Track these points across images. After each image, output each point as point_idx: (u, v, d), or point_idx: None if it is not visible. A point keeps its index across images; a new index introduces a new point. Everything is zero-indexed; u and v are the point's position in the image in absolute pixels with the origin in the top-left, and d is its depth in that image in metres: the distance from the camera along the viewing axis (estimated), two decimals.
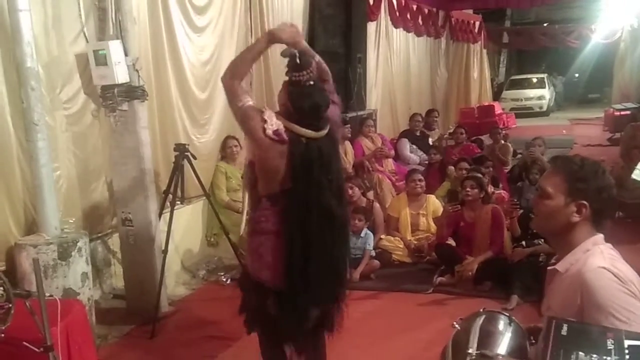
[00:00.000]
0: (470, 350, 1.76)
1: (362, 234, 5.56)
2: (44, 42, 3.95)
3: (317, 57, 3.08)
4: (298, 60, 2.90)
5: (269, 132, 2.83)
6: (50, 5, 4.16)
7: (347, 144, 7.39)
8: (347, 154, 7.27)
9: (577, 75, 25.49)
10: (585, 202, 1.91)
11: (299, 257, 2.91)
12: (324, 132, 2.95)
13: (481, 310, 2.02)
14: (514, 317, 2.02)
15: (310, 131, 2.90)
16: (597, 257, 1.86)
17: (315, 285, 2.95)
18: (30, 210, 4.12)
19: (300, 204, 2.92)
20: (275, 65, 6.42)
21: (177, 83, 5.40)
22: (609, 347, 1.42)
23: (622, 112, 13.33)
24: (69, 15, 4.33)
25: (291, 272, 2.92)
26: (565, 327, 1.48)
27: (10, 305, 2.54)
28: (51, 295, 3.31)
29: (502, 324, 2.00)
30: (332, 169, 3.00)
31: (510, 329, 1.98)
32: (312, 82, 2.92)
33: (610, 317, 1.71)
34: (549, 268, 2.02)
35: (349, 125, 7.41)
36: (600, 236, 1.96)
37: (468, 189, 5.26)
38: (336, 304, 3.13)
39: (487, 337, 1.83)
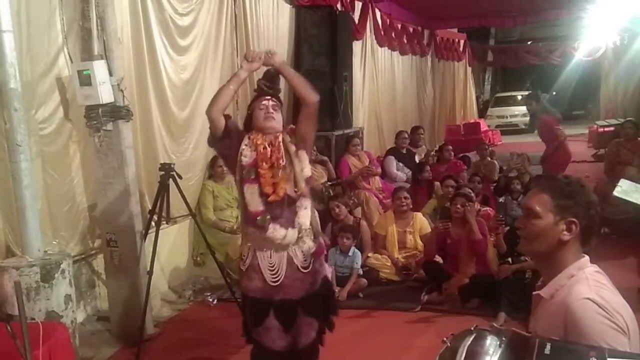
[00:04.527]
0: None
1: (350, 253, 5.55)
2: (18, 63, 3.92)
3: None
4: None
5: None
6: (26, 26, 4.13)
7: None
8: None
9: (554, 93, 25.74)
10: (574, 220, 1.88)
11: None
12: None
13: (472, 328, 1.99)
14: (504, 337, 1.99)
15: None
16: (583, 286, 1.83)
17: None
18: (7, 233, 4.07)
19: None
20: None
21: (158, 102, 5.39)
22: None
23: (606, 129, 13.50)
24: (45, 35, 4.30)
25: None
26: (548, 346, 1.47)
27: None
28: (33, 319, 3.28)
29: (491, 344, 1.97)
30: None
31: (500, 351, 1.95)
32: None
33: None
34: (533, 293, 2.00)
35: None
36: (585, 259, 1.93)
37: (459, 206, 5.28)
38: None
39: (473, 357, 1.80)
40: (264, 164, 3.15)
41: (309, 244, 3.21)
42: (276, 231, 3.12)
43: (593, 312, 1.75)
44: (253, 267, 3.19)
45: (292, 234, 3.15)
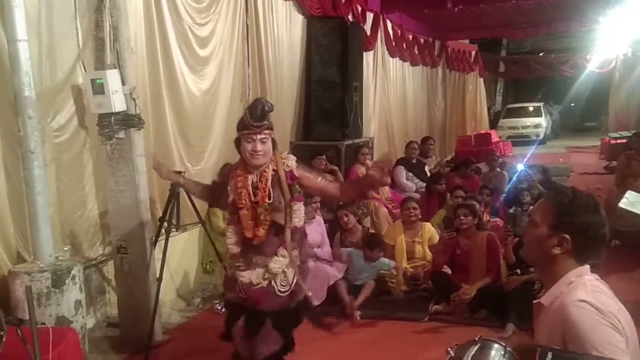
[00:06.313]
0: None
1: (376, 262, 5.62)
2: (37, 71, 3.99)
3: None
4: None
5: None
6: (46, 34, 4.20)
7: None
8: None
9: (572, 104, 25.69)
10: (567, 236, 1.89)
11: None
12: None
13: (477, 338, 2.00)
14: (509, 348, 2.00)
15: None
16: (580, 290, 1.84)
17: None
18: (18, 239, 4.12)
19: None
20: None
21: (174, 111, 5.45)
22: None
23: (618, 140, 13.43)
24: (62, 44, 4.37)
25: None
26: (549, 356, 1.48)
27: (2, 333, 2.53)
28: (43, 324, 3.31)
29: (496, 354, 1.98)
30: None
31: None
32: None
33: (593, 351, 1.69)
34: (534, 302, 2.01)
35: None
36: (585, 267, 1.93)
37: (462, 217, 5.29)
38: None
39: None
40: (244, 209, 3.22)
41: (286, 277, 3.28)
42: (244, 277, 3.25)
43: (588, 311, 1.76)
44: (234, 278, 3.35)
45: (258, 275, 3.23)
